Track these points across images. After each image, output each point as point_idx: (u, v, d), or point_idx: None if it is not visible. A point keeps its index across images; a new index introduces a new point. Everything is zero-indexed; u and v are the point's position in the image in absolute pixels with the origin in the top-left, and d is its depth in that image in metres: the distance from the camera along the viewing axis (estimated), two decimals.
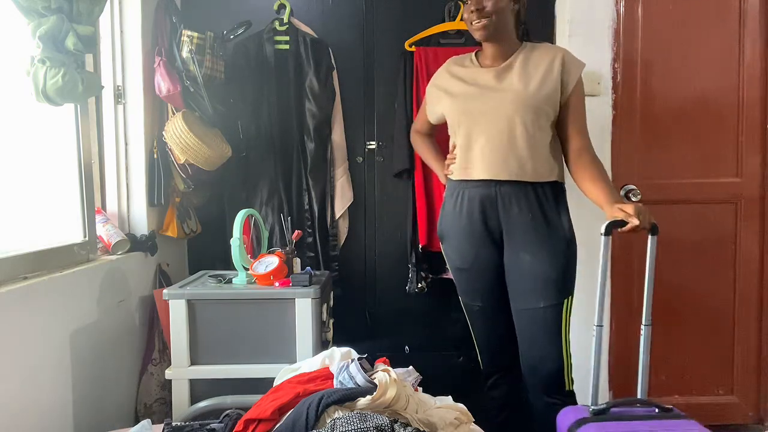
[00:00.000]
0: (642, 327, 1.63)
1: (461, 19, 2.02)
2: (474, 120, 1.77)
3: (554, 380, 1.75)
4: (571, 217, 1.82)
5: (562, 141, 1.82)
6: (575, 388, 1.81)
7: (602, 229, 1.58)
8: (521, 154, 1.72)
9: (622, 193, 2.44)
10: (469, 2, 1.74)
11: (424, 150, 2.11)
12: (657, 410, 1.50)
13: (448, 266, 1.97)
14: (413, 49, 2.45)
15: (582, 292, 1.85)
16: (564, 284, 1.74)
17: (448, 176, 1.90)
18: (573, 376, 1.78)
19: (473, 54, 1.90)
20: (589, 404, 1.55)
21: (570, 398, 1.78)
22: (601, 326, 1.61)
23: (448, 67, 1.93)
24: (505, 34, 1.78)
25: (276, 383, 1.52)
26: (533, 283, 1.73)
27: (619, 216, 1.58)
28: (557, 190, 1.80)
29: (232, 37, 2.34)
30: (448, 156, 1.91)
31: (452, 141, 1.90)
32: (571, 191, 1.86)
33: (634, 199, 2.42)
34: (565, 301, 1.74)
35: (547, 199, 1.76)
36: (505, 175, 1.73)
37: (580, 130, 1.79)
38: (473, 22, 1.73)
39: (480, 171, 1.76)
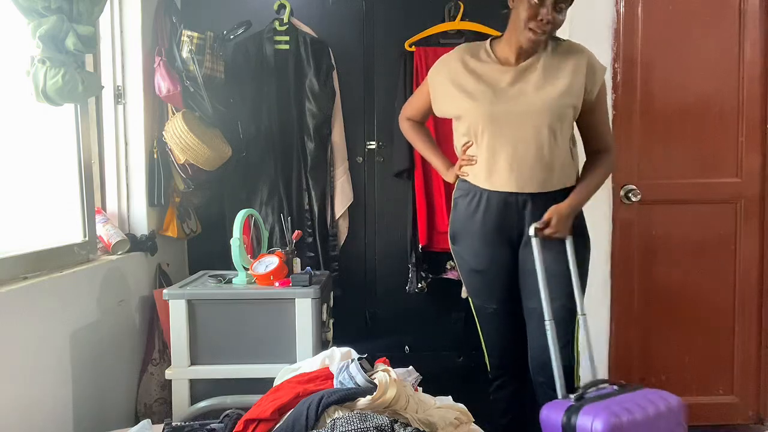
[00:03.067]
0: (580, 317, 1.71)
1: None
2: (499, 127, 1.71)
3: (564, 378, 1.72)
4: (585, 218, 1.82)
5: (584, 140, 1.84)
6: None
7: (530, 231, 1.69)
8: (548, 165, 1.70)
9: (621, 193, 2.44)
10: (540, 13, 1.63)
11: (419, 143, 2.02)
12: (616, 387, 1.56)
13: (458, 268, 1.92)
14: (413, 49, 2.45)
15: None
16: (579, 283, 1.74)
17: (462, 177, 1.83)
18: (580, 373, 1.79)
19: (488, 44, 1.81)
20: (560, 397, 1.60)
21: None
22: (551, 321, 1.67)
23: (462, 59, 1.80)
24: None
25: (276, 383, 1.52)
26: (550, 281, 1.71)
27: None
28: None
29: (232, 37, 2.34)
30: (463, 157, 1.81)
31: (461, 139, 1.82)
32: None
33: (634, 199, 2.42)
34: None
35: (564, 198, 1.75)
36: (532, 188, 1.71)
37: (602, 132, 1.81)
38: (537, 32, 1.65)
39: (506, 183, 1.72)
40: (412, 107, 2.01)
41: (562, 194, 1.74)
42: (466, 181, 1.82)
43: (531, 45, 1.69)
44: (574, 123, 1.79)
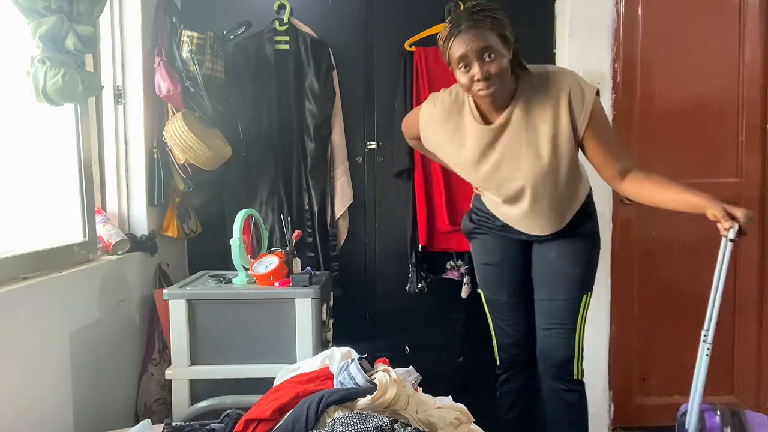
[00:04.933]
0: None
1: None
2: (497, 190, 1.72)
3: (563, 367, 1.79)
4: (597, 216, 1.84)
5: (598, 170, 1.68)
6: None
7: (731, 235, 1.47)
8: (553, 212, 1.71)
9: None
10: (465, 68, 1.52)
11: (434, 154, 1.95)
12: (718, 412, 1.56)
13: (473, 260, 1.98)
14: (413, 49, 2.45)
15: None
16: (584, 281, 1.78)
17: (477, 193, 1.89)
18: (584, 367, 1.81)
19: (470, 98, 1.67)
20: (692, 427, 1.53)
21: (579, 386, 1.82)
22: (707, 343, 1.49)
23: (445, 114, 1.71)
24: (507, 85, 1.59)
25: (276, 383, 1.52)
26: (554, 278, 1.77)
27: (723, 218, 1.48)
28: (588, 198, 1.81)
29: (232, 37, 2.34)
30: (476, 188, 1.87)
31: None
32: None
33: (634, 199, 2.42)
34: (584, 296, 1.78)
35: (577, 214, 1.76)
36: (542, 232, 1.75)
37: (612, 154, 1.63)
38: (479, 91, 1.53)
39: (516, 226, 1.77)
40: (409, 131, 1.95)
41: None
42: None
43: (491, 101, 1.59)
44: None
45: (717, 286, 1.52)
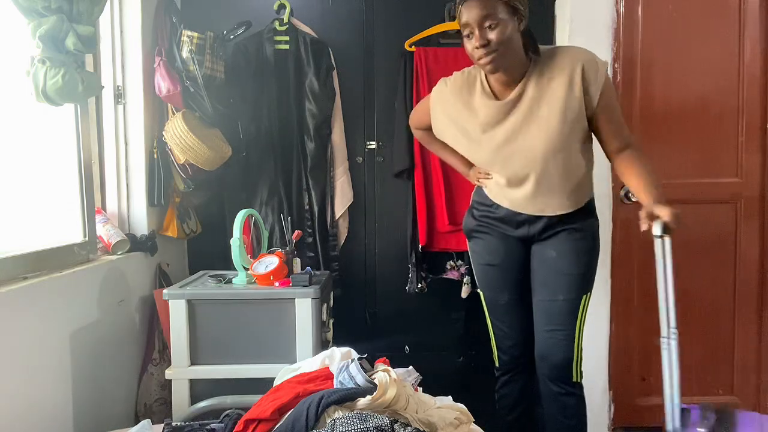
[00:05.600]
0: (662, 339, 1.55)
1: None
2: (502, 166, 1.71)
3: (562, 370, 1.78)
4: (598, 216, 1.83)
5: (600, 143, 1.72)
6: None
7: (655, 231, 1.52)
8: (563, 191, 1.70)
9: (621, 193, 2.44)
10: (469, 37, 1.56)
11: (438, 147, 1.98)
12: (712, 412, 1.54)
13: (471, 262, 1.96)
14: (413, 49, 2.45)
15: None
16: (584, 281, 1.77)
17: (480, 186, 1.86)
18: (582, 369, 1.80)
19: (483, 74, 1.71)
20: (672, 428, 1.50)
21: (577, 389, 1.81)
22: (667, 338, 1.52)
23: (456, 91, 1.75)
24: (514, 59, 1.60)
25: (276, 383, 1.52)
26: (555, 278, 1.76)
27: (642, 219, 1.54)
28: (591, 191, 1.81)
29: (232, 37, 2.34)
30: (478, 175, 1.83)
31: None
32: None
33: (634, 199, 2.42)
34: (584, 297, 1.77)
35: (579, 210, 1.76)
36: (549, 212, 1.73)
37: (616, 130, 1.68)
38: (479, 58, 1.56)
39: (521, 209, 1.75)
40: (418, 120, 1.97)
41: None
42: (483, 191, 1.85)
43: (490, 69, 1.59)
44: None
45: (664, 282, 1.58)
